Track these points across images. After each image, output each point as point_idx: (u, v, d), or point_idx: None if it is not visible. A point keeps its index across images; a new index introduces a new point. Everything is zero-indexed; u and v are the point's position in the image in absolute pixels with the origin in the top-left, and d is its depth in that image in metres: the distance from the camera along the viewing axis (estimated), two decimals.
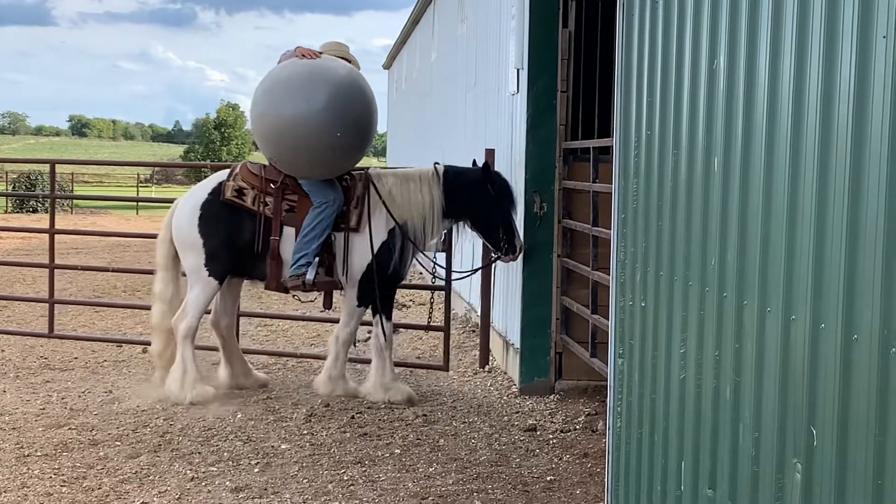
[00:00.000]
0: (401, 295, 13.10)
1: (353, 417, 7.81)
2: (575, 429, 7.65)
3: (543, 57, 8.62)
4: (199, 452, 6.85)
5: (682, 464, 4.44)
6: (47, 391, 8.54)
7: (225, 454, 6.83)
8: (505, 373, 9.42)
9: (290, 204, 8.04)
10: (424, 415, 7.89)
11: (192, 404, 7.93)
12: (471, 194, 8.20)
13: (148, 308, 11.26)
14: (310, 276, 7.88)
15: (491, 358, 9.70)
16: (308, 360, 9.78)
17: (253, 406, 8.03)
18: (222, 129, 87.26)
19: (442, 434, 7.42)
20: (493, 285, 9.69)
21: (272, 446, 7.03)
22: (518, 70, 8.95)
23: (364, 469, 6.59)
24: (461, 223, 8.48)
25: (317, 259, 7.89)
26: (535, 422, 7.80)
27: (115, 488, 6.12)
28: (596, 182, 7.65)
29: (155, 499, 5.96)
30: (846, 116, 3.03)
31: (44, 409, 7.95)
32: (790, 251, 3.38)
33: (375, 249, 8.08)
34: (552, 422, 7.83)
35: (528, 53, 8.68)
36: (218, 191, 8.08)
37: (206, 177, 8.60)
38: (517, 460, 6.88)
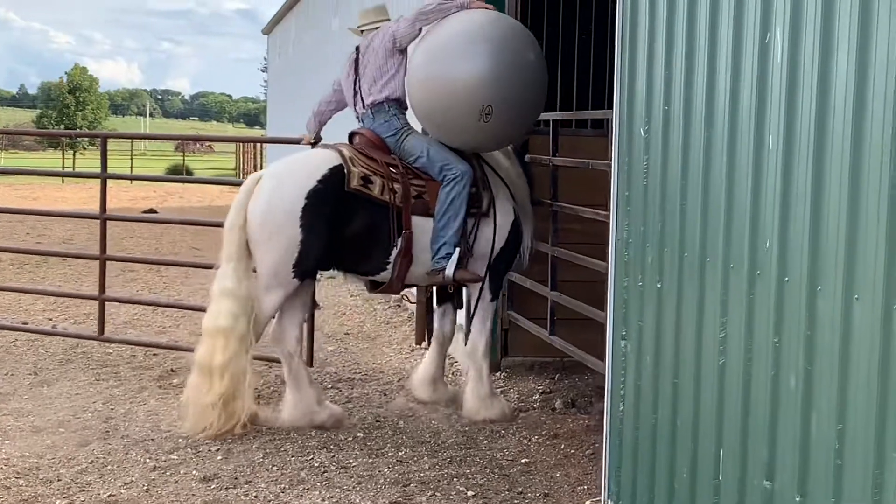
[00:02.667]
0: None
1: None
2: (533, 408, 7.49)
3: None
4: (153, 439, 6.46)
5: (721, 452, 4.29)
6: None
7: (180, 441, 6.44)
8: None
9: (417, 189, 6.82)
10: (385, 394, 7.66)
11: (318, 427, 6.71)
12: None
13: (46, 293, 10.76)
14: (449, 271, 6.70)
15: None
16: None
17: None
18: (77, 94, 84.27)
19: (400, 415, 7.17)
20: None
21: None
22: None
23: (332, 454, 6.30)
24: None
25: (457, 249, 6.71)
26: None
27: (75, 480, 5.69)
28: (556, 156, 7.45)
29: (122, 490, 5.56)
30: None
31: None
32: (891, 236, 3.23)
33: (507, 230, 7.11)
34: (507, 400, 7.63)
35: None
36: (331, 178, 6.58)
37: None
38: (486, 442, 6.67)
